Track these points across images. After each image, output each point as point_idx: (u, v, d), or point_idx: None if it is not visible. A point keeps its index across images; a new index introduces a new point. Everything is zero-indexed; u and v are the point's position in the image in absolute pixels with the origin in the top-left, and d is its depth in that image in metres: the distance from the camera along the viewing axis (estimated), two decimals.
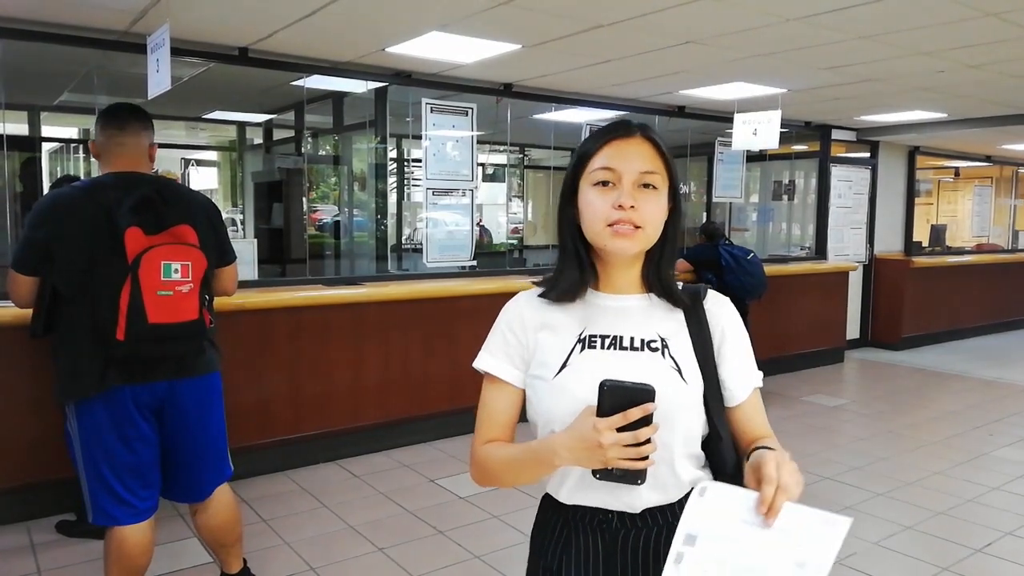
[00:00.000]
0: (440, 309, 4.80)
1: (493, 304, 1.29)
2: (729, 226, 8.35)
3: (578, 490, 1.21)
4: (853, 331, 8.24)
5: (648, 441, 1.05)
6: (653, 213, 1.19)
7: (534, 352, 1.23)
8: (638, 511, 1.20)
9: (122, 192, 2.35)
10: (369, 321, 4.61)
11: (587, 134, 1.30)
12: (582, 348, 1.21)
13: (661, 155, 1.21)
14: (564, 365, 1.19)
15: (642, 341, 1.21)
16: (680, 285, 1.27)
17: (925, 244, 9.49)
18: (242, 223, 8.32)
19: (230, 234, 2.81)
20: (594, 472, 1.10)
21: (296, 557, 3.25)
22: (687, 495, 1.18)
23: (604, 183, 1.18)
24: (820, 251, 7.72)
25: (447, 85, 5.17)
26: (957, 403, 6.28)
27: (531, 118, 6.40)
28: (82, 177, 4.19)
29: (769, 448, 1.14)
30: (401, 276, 5.36)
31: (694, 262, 5.89)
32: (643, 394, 1.05)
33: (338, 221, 7.23)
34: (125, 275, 2.25)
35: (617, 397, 1.05)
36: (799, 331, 7.18)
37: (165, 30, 3.26)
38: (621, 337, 1.21)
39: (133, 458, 2.37)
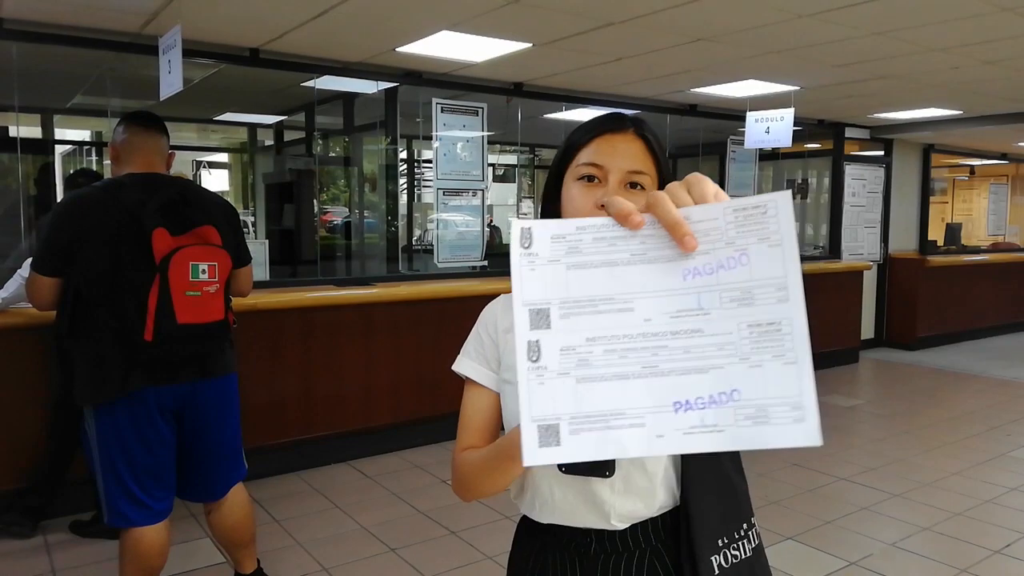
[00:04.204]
0: (451, 309, 4.79)
1: None
2: None
3: (550, 505, 1.14)
4: (868, 331, 8.18)
5: None
6: None
7: (504, 354, 1.17)
8: (616, 527, 1.11)
9: (144, 192, 2.35)
10: (380, 321, 4.61)
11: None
12: None
13: (652, 154, 1.13)
14: None
15: None
16: None
17: (940, 243, 9.40)
18: (253, 225, 8.34)
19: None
20: (559, 465, 1.03)
21: (308, 557, 3.25)
22: (669, 512, 1.12)
23: (589, 178, 1.11)
24: (834, 250, 7.67)
25: (457, 85, 5.17)
26: (974, 403, 6.21)
27: (542, 118, 6.39)
28: (97, 173, 4.20)
29: None
30: (412, 276, 5.36)
31: None
32: None
33: (349, 222, 7.24)
34: (153, 276, 2.25)
35: None
36: (813, 331, 6.78)
37: (177, 31, 3.27)
38: None
39: (151, 460, 2.37)
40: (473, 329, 1.24)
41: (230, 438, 2.59)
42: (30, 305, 2.56)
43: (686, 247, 0.69)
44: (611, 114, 1.16)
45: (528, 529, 1.20)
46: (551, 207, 1.18)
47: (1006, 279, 9.36)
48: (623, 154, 1.10)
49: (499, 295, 1.25)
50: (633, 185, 1.10)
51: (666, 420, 0.68)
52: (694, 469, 1.11)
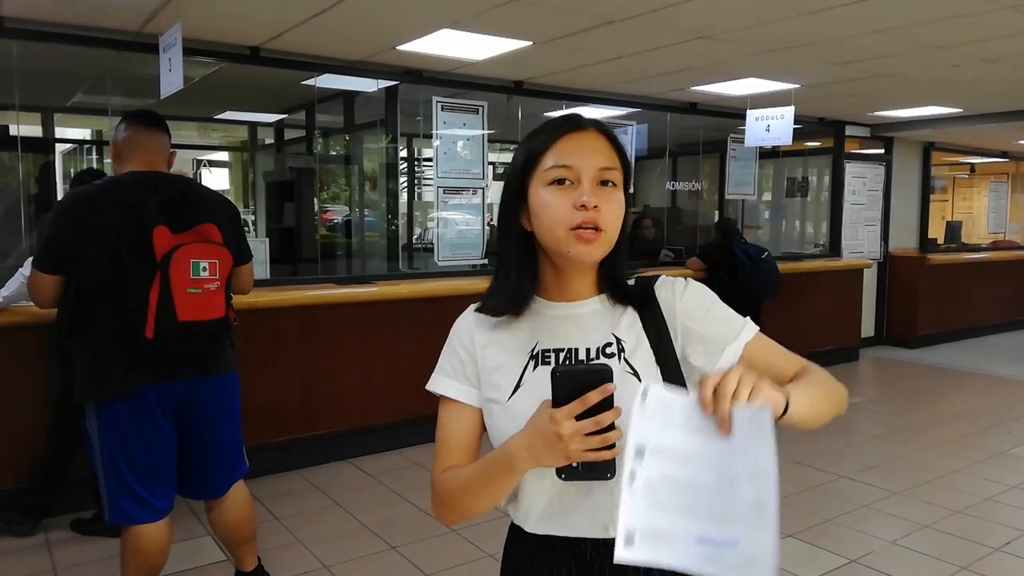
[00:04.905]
0: (452, 308, 4.73)
1: None
2: (742, 223, 8.31)
3: (547, 518, 1.11)
4: (868, 329, 8.18)
5: (612, 427, 0.96)
6: (615, 213, 1.09)
7: (483, 371, 1.15)
8: (613, 535, 1.09)
9: (145, 191, 2.35)
10: (381, 320, 4.61)
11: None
12: (535, 365, 1.12)
13: (617, 150, 1.12)
14: (518, 386, 1.11)
15: (598, 350, 1.12)
16: (632, 280, 1.18)
17: (940, 241, 9.40)
18: (254, 223, 8.34)
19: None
20: (559, 472, 1.00)
21: (309, 555, 3.26)
22: None
23: (560, 181, 1.07)
24: (834, 248, 7.67)
25: (458, 83, 5.17)
26: (974, 401, 6.22)
27: (542, 116, 6.39)
28: (103, 172, 4.20)
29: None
30: (412, 275, 5.36)
31: (708, 260, 5.85)
32: (598, 375, 0.97)
33: (349, 221, 7.24)
34: (154, 273, 2.25)
35: (572, 383, 0.96)
36: (813, 329, 7.12)
37: (177, 29, 3.28)
38: (576, 349, 1.12)
39: (152, 458, 2.37)
40: (447, 345, 1.21)
41: (231, 436, 2.59)
42: (31, 303, 2.57)
43: (723, 431, 0.91)
44: (569, 115, 1.14)
45: (520, 539, 1.17)
46: (514, 219, 1.14)
47: (1006, 277, 9.36)
48: (591, 152, 1.08)
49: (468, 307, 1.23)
50: (604, 183, 1.08)
51: (690, 545, 0.91)
52: None
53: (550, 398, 0.98)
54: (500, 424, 1.11)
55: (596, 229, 1.06)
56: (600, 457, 0.97)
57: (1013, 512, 3.79)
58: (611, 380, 0.97)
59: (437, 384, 1.19)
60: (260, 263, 4.57)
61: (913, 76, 5.17)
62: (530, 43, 4.23)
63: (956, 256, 8.86)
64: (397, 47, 4.33)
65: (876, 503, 3.88)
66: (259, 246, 4.79)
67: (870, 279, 8.05)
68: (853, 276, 7.57)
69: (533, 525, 1.13)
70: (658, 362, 1.13)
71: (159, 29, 3.62)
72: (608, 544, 1.09)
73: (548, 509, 1.11)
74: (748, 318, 1.19)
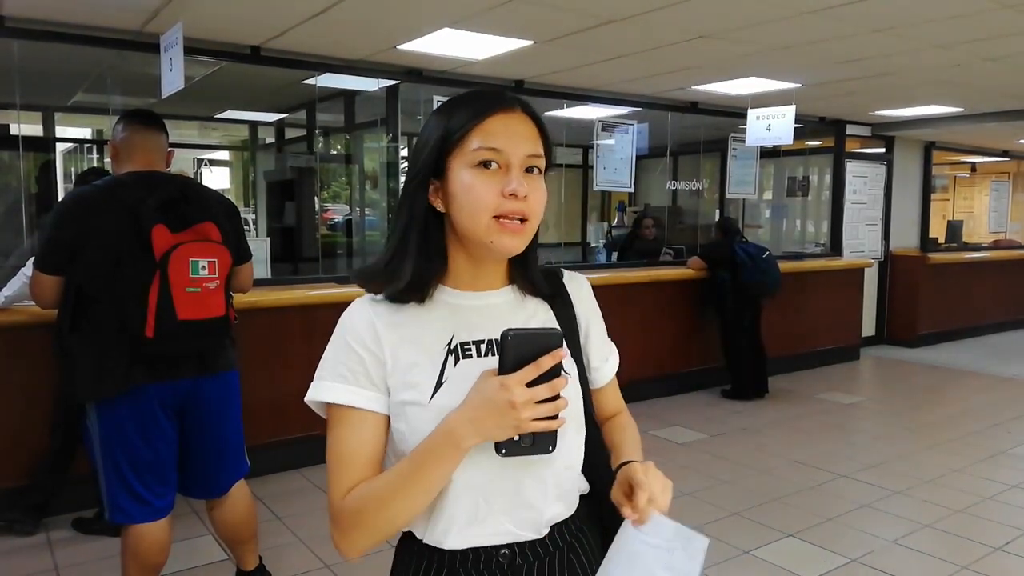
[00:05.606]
0: None
1: None
2: (743, 223, 8.31)
3: (473, 525, 1.01)
4: (869, 328, 8.18)
5: (558, 395, 0.92)
6: (540, 203, 1.03)
7: (394, 371, 1.02)
8: (542, 534, 1.04)
9: (144, 190, 2.35)
10: None
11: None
12: (456, 360, 1.02)
13: (543, 135, 1.06)
14: (439, 383, 1.00)
15: None
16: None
17: (941, 240, 9.40)
18: (255, 222, 8.35)
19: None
20: (498, 448, 0.93)
21: (310, 554, 3.26)
22: (580, 507, 1.11)
23: (486, 164, 1.00)
24: (835, 248, 7.67)
25: (458, 83, 5.17)
26: (975, 400, 6.22)
27: (543, 115, 6.39)
28: (108, 172, 4.20)
29: (633, 460, 1.09)
30: None
31: (709, 259, 5.85)
32: (550, 339, 0.92)
33: (350, 220, 7.25)
34: (153, 273, 2.26)
35: (522, 348, 0.90)
36: (814, 329, 7.12)
37: (178, 29, 3.28)
38: (497, 340, 1.02)
39: (153, 457, 2.38)
40: (336, 346, 1.05)
41: (232, 434, 2.60)
42: (32, 303, 2.57)
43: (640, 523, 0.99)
44: (497, 92, 1.06)
45: (425, 554, 1.07)
46: (419, 194, 1.04)
47: (1007, 276, 9.36)
48: (521, 136, 1.03)
49: (354, 301, 1.10)
50: (530, 169, 1.03)
51: None
52: (598, 457, 1.14)
53: (492, 368, 0.93)
54: (421, 427, 0.99)
55: (522, 220, 1.01)
56: (549, 427, 0.93)
57: (1013, 511, 3.79)
58: (561, 345, 0.93)
59: (329, 392, 1.02)
60: (261, 262, 4.58)
61: (914, 76, 5.17)
62: (531, 42, 4.23)
63: (957, 255, 8.85)
64: (397, 46, 4.34)
65: (876, 502, 3.88)
66: (260, 245, 4.79)
67: (871, 278, 8.05)
68: (854, 275, 7.57)
69: (455, 538, 1.02)
70: (573, 357, 1.12)
71: (160, 28, 3.63)
72: (534, 545, 1.04)
73: (474, 515, 1.01)
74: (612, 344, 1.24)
